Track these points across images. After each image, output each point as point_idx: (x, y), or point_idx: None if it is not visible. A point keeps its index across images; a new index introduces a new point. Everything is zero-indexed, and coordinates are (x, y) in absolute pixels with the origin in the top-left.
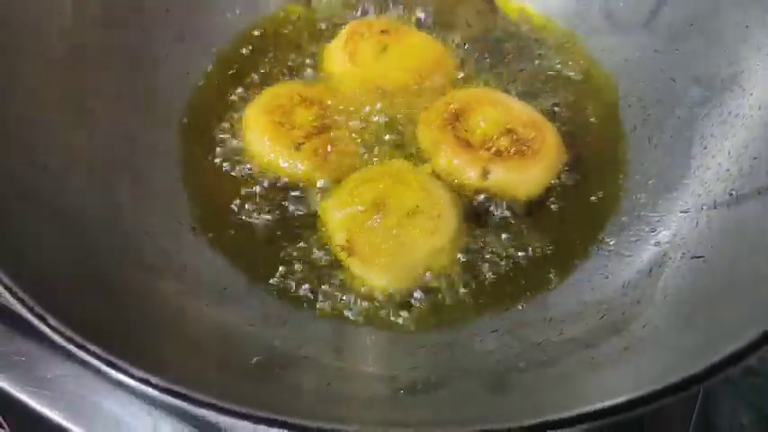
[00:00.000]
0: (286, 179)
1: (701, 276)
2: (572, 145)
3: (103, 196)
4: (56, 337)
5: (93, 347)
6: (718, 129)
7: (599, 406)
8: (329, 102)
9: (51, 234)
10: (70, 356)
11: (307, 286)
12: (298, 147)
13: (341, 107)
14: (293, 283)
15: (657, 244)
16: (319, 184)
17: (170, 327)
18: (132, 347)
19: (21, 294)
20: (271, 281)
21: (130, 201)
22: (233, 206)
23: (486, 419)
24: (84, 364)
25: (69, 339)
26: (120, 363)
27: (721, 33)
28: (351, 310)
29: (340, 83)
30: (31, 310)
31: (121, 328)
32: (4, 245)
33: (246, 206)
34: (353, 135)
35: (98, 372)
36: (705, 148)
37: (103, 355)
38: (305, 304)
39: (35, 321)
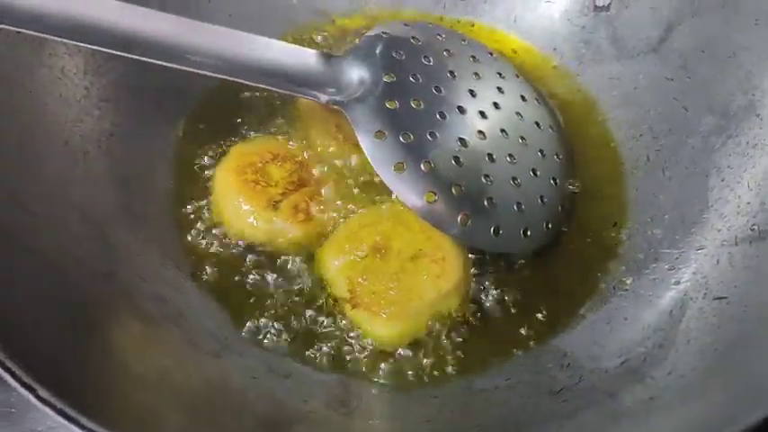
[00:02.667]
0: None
1: (726, 319)
2: (581, 178)
3: (97, 243)
4: (47, 409)
5: (85, 421)
6: (736, 160)
7: None
8: (302, 157)
9: (42, 288)
10: None
11: (308, 340)
12: (275, 205)
13: (315, 159)
14: (297, 339)
15: (677, 283)
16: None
17: (170, 379)
18: (127, 411)
19: (9, 364)
20: (272, 336)
21: (125, 246)
22: (221, 263)
23: None
24: None
25: (60, 412)
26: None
27: (735, 60)
28: (356, 362)
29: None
30: (20, 381)
31: (115, 388)
32: None
33: (233, 265)
34: (334, 186)
35: None
36: (723, 180)
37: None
38: (311, 359)
39: (25, 392)
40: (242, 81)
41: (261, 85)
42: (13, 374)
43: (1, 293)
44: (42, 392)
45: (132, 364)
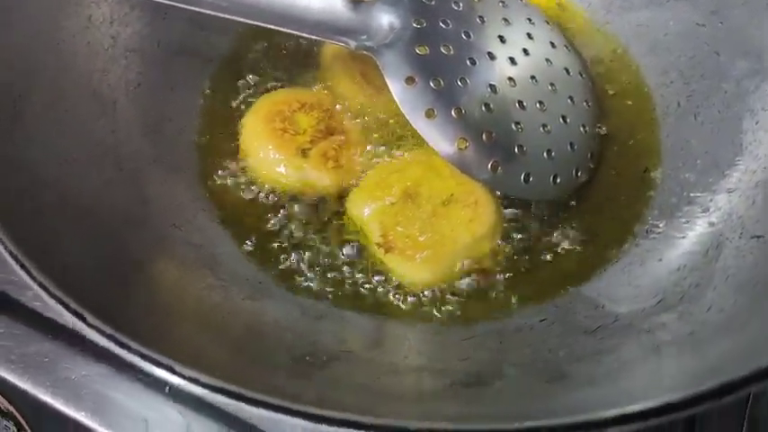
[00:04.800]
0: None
1: (765, 256)
2: (612, 125)
3: (130, 190)
4: (96, 336)
5: (135, 345)
6: None
7: (668, 399)
8: (330, 105)
9: (82, 231)
10: (96, 356)
11: (342, 284)
12: (305, 153)
13: (342, 109)
14: (331, 282)
15: (712, 224)
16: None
17: (208, 322)
18: (172, 345)
19: (57, 293)
20: (306, 279)
21: (157, 195)
22: (255, 211)
23: (550, 412)
24: (112, 364)
25: (110, 337)
26: (166, 361)
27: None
28: (389, 304)
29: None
30: (67, 307)
31: (158, 324)
32: (35, 244)
33: (267, 211)
34: (361, 133)
35: (129, 371)
36: (757, 122)
37: (149, 353)
38: (347, 301)
39: (73, 320)
40: (270, 27)
41: (290, 31)
42: (60, 301)
43: (48, 237)
44: (91, 319)
45: (173, 304)
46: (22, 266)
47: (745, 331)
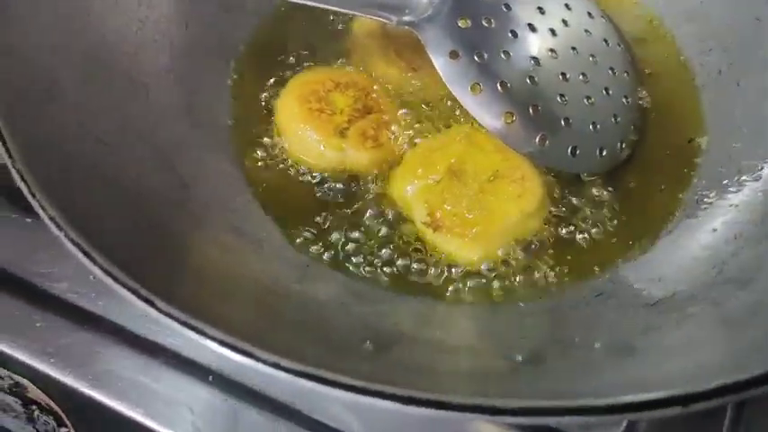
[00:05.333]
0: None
1: None
2: (654, 96)
3: (168, 174)
4: (162, 317)
5: (199, 324)
6: None
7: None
8: (365, 83)
9: (124, 213)
10: (135, 347)
11: (390, 265)
12: (343, 132)
13: (378, 87)
14: (378, 263)
15: (764, 192)
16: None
17: (265, 306)
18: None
19: (125, 280)
20: (353, 261)
21: (195, 178)
22: (295, 192)
23: (626, 386)
24: (153, 354)
25: (186, 324)
26: (230, 339)
27: None
28: (442, 283)
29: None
30: (135, 293)
31: (216, 308)
32: (84, 226)
33: (307, 192)
34: (399, 112)
35: (171, 360)
36: None
37: (214, 333)
38: (395, 282)
39: (136, 301)
40: (310, 4)
41: (329, 7)
42: (133, 291)
43: (94, 219)
44: (159, 304)
45: (225, 288)
46: (84, 252)
47: None
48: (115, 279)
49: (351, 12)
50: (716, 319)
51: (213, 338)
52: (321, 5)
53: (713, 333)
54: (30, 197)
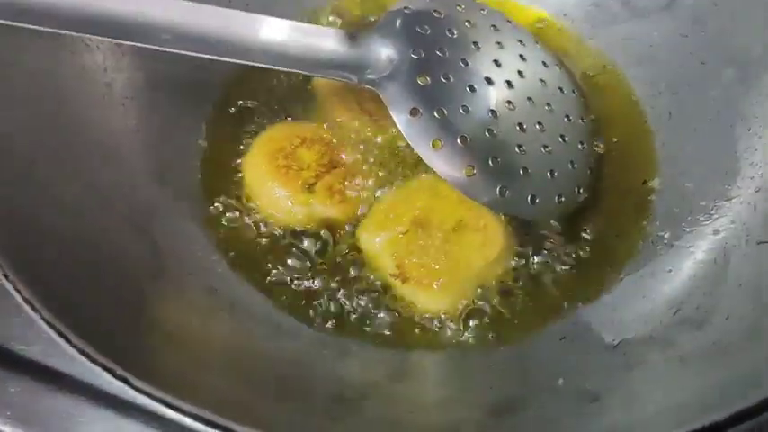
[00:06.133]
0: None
1: None
2: (607, 138)
3: (142, 240)
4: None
5: (176, 402)
6: (760, 108)
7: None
8: (330, 138)
9: (101, 285)
10: (117, 410)
11: (360, 317)
12: (310, 188)
13: (343, 140)
14: (348, 315)
15: (716, 232)
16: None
17: (235, 367)
18: (201, 393)
19: (102, 360)
20: (323, 315)
21: (168, 242)
22: (266, 249)
23: None
24: (131, 416)
25: (161, 401)
26: (207, 415)
27: (748, 10)
28: (411, 334)
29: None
30: (113, 373)
31: (186, 374)
32: (59, 301)
33: (276, 248)
34: (364, 164)
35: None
36: (749, 129)
37: (191, 409)
38: (363, 335)
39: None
40: (270, 67)
41: (290, 70)
42: (108, 370)
43: (72, 289)
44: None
45: (198, 352)
46: (59, 333)
47: None
48: (91, 359)
49: (313, 74)
50: (675, 360)
51: (191, 415)
52: (285, 69)
53: (674, 375)
54: (3, 279)
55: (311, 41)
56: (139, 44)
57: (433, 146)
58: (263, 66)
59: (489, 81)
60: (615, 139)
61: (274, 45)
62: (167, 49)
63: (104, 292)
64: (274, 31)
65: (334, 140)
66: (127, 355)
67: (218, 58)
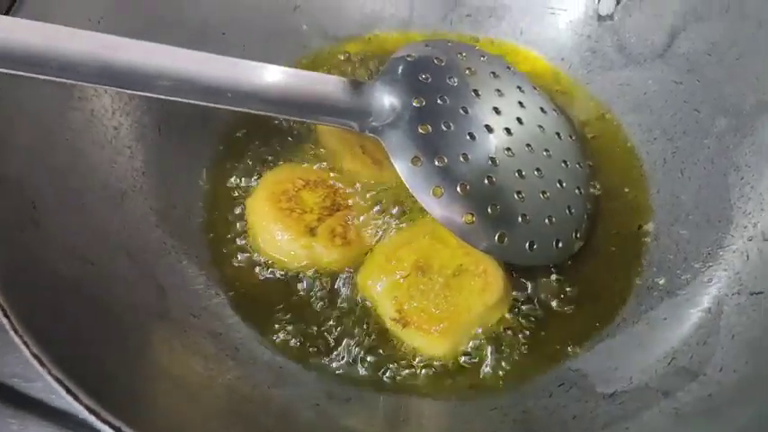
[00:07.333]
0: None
1: (766, 314)
2: (603, 184)
3: (147, 283)
4: None
5: None
6: (753, 157)
7: None
8: (332, 181)
9: (105, 330)
10: None
11: (360, 362)
12: (313, 231)
13: (346, 183)
14: (350, 360)
15: (710, 281)
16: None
17: (240, 414)
18: None
19: (90, 404)
20: (325, 359)
21: (172, 284)
22: (268, 292)
23: None
24: None
25: None
26: None
27: (742, 61)
28: (412, 379)
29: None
30: (98, 416)
31: (186, 417)
32: (61, 347)
33: (279, 291)
34: (367, 207)
35: None
36: (742, 178)
37: None
38: (366, 379)
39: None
40: (274, 115)
41: (293, 118)
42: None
43: (70, 340)
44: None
45: (203, 400)
46: (55, 378)
47: (764, 392)
48: (100, 418)
49: (315, 122)
50: (671, 413)
51: None
52: (287, 117)
53: (670, 427)
54: (12, 333)
55: (314, 89)
56: (139, 93)
57: (434, 193)
58: (265, 114)
59: (489, 128)
60: (611, 185)
61: (276, 93)
62: (168, 98)
63: (111, 340)
64: (276, 79)
65: (338, 184)
66: (135, 409)
67: (220, 106)
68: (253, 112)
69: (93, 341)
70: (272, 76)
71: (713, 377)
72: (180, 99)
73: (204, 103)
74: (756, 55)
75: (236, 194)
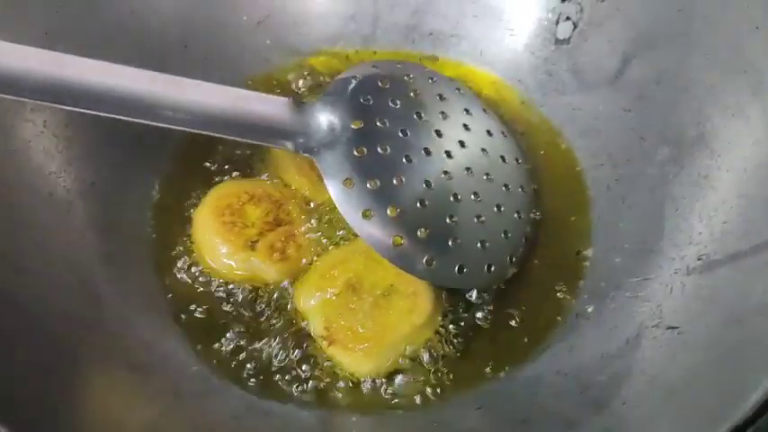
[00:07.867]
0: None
1: (679, 350)
2: (548, 207)
3: (83, 293)
4: None
5: None
6: (689, 190)
7: None
8: (278, 196)
9: (33, 340)
10: None
11: (285, 377)
12: (252, 245)
13: (290, 199)
14: (275, 374)
15: (635, 312)
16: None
17: (152, 426)
18: None
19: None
20: (250, 373)
21: (109, 294)
22: (205, 304)
23: None
24: None
25: None
26: None
27: (687, 92)
28: (335, 396)
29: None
30: None
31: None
32: None
33: (216, 304)
34: (308, 224)
35: None
36: (677, 209)
37: None
38: (288, 396)
39: None
40: (216, 135)
41: (229, 137)
42: None
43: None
44: None
45: (123, 417)
46: None
47: None
48: None
49: (249, 141)
50: None
51: None
52: (225, 136)
53: None
54: None
55: (251, 108)
56: (80, 110)
57: (364, 216)
58: (202, 132)
59: (427, 152)
60: (555, 209)
61: (215, 112)
62: (108, 115)
63: (32, 343)
64: (216, 98)
65: (282, 199)
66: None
67: (151, 123)
68: (190, 131)
69: (15, 350)
70: (213, 94)
71: (615, 411)
72: (121, 117)
73: (146, 122)
74: (700, 85)
75: (187, 206)
